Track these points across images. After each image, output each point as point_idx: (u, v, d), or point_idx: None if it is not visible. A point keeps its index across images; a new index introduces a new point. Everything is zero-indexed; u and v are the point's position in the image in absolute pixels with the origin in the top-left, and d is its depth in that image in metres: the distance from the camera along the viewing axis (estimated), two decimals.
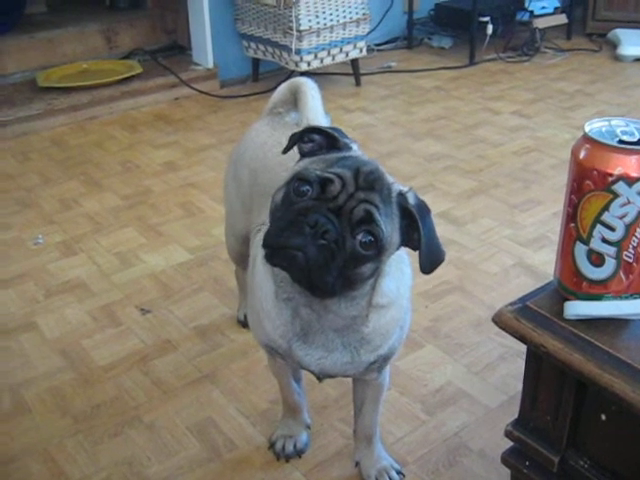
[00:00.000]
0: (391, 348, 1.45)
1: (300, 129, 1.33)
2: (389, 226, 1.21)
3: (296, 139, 1.32)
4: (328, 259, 1.17)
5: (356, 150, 1.30)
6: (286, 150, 1.35)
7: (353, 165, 1.22)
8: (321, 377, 1.51)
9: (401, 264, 1.41)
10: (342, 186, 1.19)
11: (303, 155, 1.32)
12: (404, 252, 1.40)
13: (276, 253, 1.20)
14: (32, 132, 3.86)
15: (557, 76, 4.59)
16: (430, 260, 1.25)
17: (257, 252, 1.44)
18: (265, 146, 1.77)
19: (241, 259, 1.99)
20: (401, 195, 1.24)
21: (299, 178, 1.21)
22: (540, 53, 4.95)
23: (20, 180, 3.34)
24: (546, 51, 4.98)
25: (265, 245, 1.21)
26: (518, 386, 1.31)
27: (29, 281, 2.57)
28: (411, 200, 1.24)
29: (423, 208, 1.26)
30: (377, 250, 1.20)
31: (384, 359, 1.47)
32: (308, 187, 1.19)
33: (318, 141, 1.31)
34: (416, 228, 1.24)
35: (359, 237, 1.18)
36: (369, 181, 1.20)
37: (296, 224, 1.17)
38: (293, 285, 1.31)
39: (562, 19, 5.06)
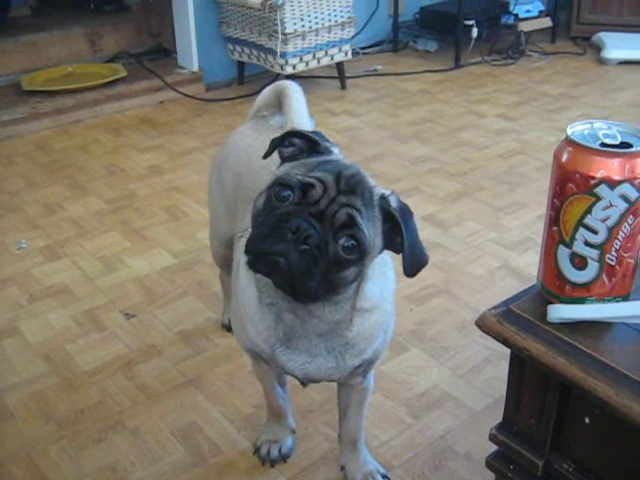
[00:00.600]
0: (375, 352, 1.45)
1: (281, 133, 1.32)
2: (371, 230, 1.21)
3: (277, 143, 1.31)
4: (311, 264, 1.17)
5: (337, 154, 1.30)
6: (267, 155, 1.34)
7: (334, 169, 1.21)
8: (305, 382, 1.50)
9: (384, 267, 1.40)
10: (324, 190, 1.18)
11: (284, 160, 1.31)
12: (387, 255, 1.39)
13: (258, 260, 1.20)
14: (16, 136, 3.84)
15: (542, 79, 4.61)
16: (413, 263, 1.25)
17: (241, 256, 1.43)
18: (249, 149, 1.77)
19: (225, 263, 1.98)
20: (383, 198, 1.24)
21: (280, 183, 1.20)
22: (525, 56, 4.97)
23: (4, 184, 3.32)
24: (531, 54, 5.00)
25: (247, 252, 1.21)
26: (503, 389, 1.31)
27: (12, 286, 2.55)
28: (393, 203, 1.24)
29: (405, 211, 1.25)
30: (360, 254, 1.19)
31: (369, 363, 1.47)
32: (289, 192, 1.19)
33: (299, 145, 1.30)
34: (399, 232, 1.23)
35: (342, 241, 1.17)
36: (351, 185, 1.20)
37: (278, 230, 1.17)
38: (276, 291, 1.30)
39: (547, 22, 5.08)
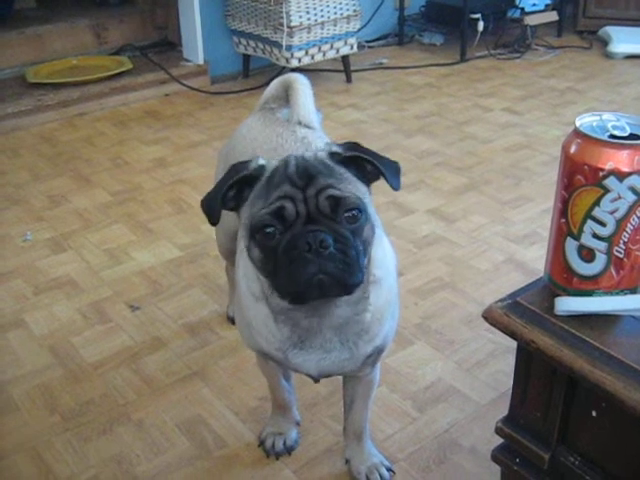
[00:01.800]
0: (385, 339, 1.45)
1: (214, 199, 1.30)
2: (350, 186, 1.23)
3: (218, 209, 1.29)
4: (344, 258, 1.19)
5: (267, 163, 1.29)
6: (216, 223, 1.31)
7: (281, 178, 1.22)
8: (319, 378, 1.50)
9: (379, 239, 1.40)
10: (292, 201, 1.19)
11: (235, 209, 1.31)
12: (378, 229, 1.39)
13: (303, 294, 1.21)
14: (21, 128, 3.84)
15: (548, 73, 4.59)
16: (393, 173, 1.30)
17: (242, 247, 1.43)
18: (255, 142, 1.76)
19: (231, 255, 1.97)
20: (332, 154, 1.27)
21: (258, 229, 1.20)
22: (531, 50, 4.96)
23: (9, 176, 3.32)
24: (537, 48, 4.98)
25: (287, 295, 1.22)
26: (508, 382, 1.30)
27: (18, 278, 2.55)
28: (341, 150, 1.28)
29: (352, 146, 1.29)
30: (362, 212, 1.22)
31: (379, 352, 1.47)
32: (271, 228, 1.19)
33: (235, 192, 1.30)
34: (365, 161, 1.28)
35: (344, 217, 1.20)
36: (304, 175, 1.22)
37: (297, 260, 1.17)
38: (294, 307, 1.31)
39: (553, 16, 5.06)
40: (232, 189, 1.29)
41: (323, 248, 1.17)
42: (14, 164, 3.45)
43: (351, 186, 1.23)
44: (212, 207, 1.30)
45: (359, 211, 1.21)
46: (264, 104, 1.90)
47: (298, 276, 1.18)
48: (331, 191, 1.20)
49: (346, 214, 1.20)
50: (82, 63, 4.36)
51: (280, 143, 1.69)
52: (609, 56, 4.83)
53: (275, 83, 1.89)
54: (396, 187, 1.29)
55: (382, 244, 1.41)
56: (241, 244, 1.43)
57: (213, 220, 1.31)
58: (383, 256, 1.39)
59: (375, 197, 1.34)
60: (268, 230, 1.19)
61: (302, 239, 1.17)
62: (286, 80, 1.84)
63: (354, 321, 1.37)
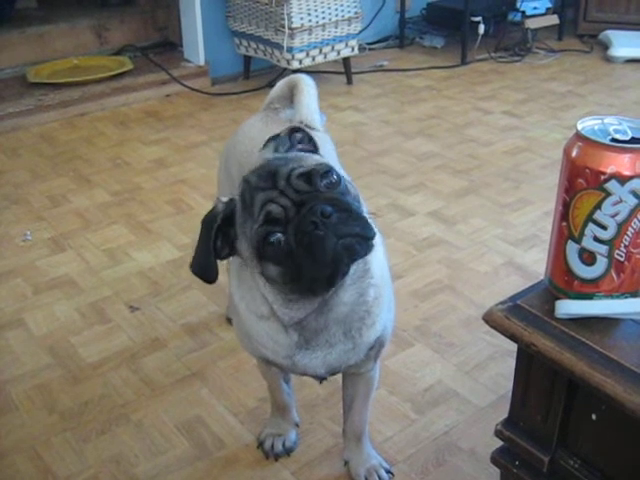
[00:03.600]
0: (384, 329, 1.45)
1: (206, 263, 1.30)
2: (309, 160, 1.25)
3: (213, 266, 1.29)
4: (350, 215, 1.18)
5: (230, 195, 1.30)
6: (212, 280, 1.32)
7: (252, 192, 1.22)
8: (327, 376, 1.49)
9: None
10: (272, 201, 1.19)
11: (232, 249, 1.30)
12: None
13: (338, 267, 1.20)
14: (22, 128, 3.83)
15: (548, 76, 4.60)
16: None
17: (235, 269, 1.43)
18: (254, 141, 1.76)
19: None
20: (294, 131, 1.34)
21: (262, 245, 1.19)
22: (531, 53, 4.96)
23: (9, 176, 3.32)
24: (537, 51, 4.98)
25: (329, 280, 1.22)
26: (508, 385, 1.30)
27: (17, 277, 2.55)
28: (301, 132, 1.34)
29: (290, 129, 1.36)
30: (334, 174, 1.22)
31: (380, 344, 1.47)
32: (272, 236, 1.18)
33: (223, 237, 1.29)
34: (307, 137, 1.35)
35: (323, 185, 1.20)
36: (266, 176, 1.22)
37: (313, 243, 1.16)
38: (304, 302, 1.30)
39: (554, 20, 5.06)
40: (217, 240, 1.28)
41: (327, 218, 1.16)
42: (14, 164, 3.45)
43: (310, 159, 1.25)
44: (206, 265, 1.30)
45: (332, 173, 1.21)
46: (269, 104, 1.90)
47: (323, 254, 1.16)
48: (297, 170, 1.20)
49: (324, 181, 1.20)
50: (83, 63, 4.36)
51: None
52: (609, 60, 4.83)
53: (281, 83, 1.90)
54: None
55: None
56: (234, 263, 1.43)
57: (210, 278, 1.31)
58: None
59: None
60: (272, 239, 1.18)
61: (304, 222, 1.16)
62: (291, 80, 1.85)
63: (359, 303, 1.36)
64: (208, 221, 1.28)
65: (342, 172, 1.29)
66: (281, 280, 1.24)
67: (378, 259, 1.38)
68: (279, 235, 1.18)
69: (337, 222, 1.16)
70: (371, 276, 1.36)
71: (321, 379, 1.52)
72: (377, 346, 1.47)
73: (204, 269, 1.30)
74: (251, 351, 1.53)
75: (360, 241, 1.19)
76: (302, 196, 1.18)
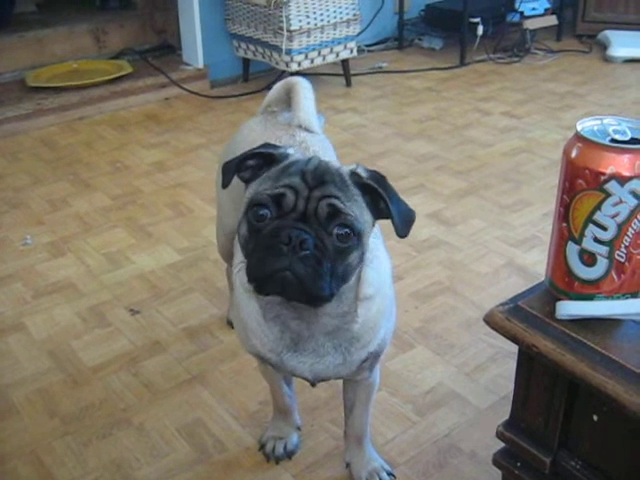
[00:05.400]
0: (380, 344, 1.45)
1: (234, 160, 1.31)
2: (356, 209, 1.21)
3: (233, 172, 1.30)
4: (316, 266, 1.17)
5: (294, 154, 1.30)
6: (225, 185, 1.33)
7: (297, 170, 1.22)
8: (315, 382, 1.49)
9: (376, 251, 1.38)
10: (295, 194, 1.19)
11: (248, 181, 1.31)
12: (376, 238, 1.39)
13: (265, 283, 1.20)
14: (21, 132, 3.83)
15: (547, 77, 4.60)
16: (403, 221, 1.25)
17: (237, 277, 1.43)
18: (254, 144, 1.76)
19: (231, 256, 1.97)
20: (354, 174, 1.25)
21: (254, 205, 1.21)
22: (530, 54, 4.96)
23: (9, 180, 3.32)
24: (536, 52, 4.99)
25: (252, 280, 1.21)
26: (509, 387, 1.30)
27: (17, 282, 2.55)
28: (364, 174, 1.25)
29: (378, 176, 1.26)
30: (356, 236, 1.20)
31: (375, 356, 1.47)
32: (265, 210, 1.20)
33: (255, 164, 1.30)
34: (379, 197, 1.24)
35: (335, 232, 1.18)
36: (318, 177, 1.21)
37: (272, 248, 1.17)
38: (281, 303, 1.31)
39: (552, 20, 5.06)
40: (253, 159, 1.30)
41: (301, 248, 1.15)
42: (14, 168, 3.45)
43: (356, 209, 1.21)
44: (229, 168, 1.31)
45: (352, 233, 1.19)
46: (267, 107, 1.90)
47: (266, 264, 1.17)
48: (335, 201, 1.19)
49: (339, 230, 1.18)
50: (82, 67, 4.36)
51: None
52: (608, 60, 4.83)
53: (277, 86, 1.89)
54: (401, 234, 1.24)
55: (377, 265, 1.38)
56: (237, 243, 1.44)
57: (224, 181, 1.32)
58: (377, 276, 1.37)
59: None
60: (261, 212, 1.20)
61: (286, 231, 1.16)
62: (288, 83, 1.84)
63: (343, 330, 1.37)
64: (265, 145, 1.32)
65: (369, 243, 1.27)
66: (242, 244, 1.25)
67: (373, 273, 1.36)
68: (268, 215, 1.20)
69: (302, 259, 1.16)
70: (357, 316, 1.36)
71: (312, 383, 1.51)
72: (371, 359, 1.46)
73: (226, 169, 1.32)
74: (244, 343, 1.52)
75: (299, 288, 1.18)
76: (313, 218, 1.18)
